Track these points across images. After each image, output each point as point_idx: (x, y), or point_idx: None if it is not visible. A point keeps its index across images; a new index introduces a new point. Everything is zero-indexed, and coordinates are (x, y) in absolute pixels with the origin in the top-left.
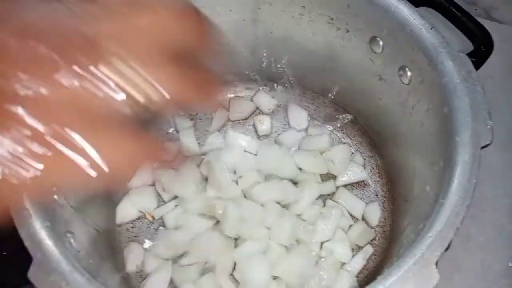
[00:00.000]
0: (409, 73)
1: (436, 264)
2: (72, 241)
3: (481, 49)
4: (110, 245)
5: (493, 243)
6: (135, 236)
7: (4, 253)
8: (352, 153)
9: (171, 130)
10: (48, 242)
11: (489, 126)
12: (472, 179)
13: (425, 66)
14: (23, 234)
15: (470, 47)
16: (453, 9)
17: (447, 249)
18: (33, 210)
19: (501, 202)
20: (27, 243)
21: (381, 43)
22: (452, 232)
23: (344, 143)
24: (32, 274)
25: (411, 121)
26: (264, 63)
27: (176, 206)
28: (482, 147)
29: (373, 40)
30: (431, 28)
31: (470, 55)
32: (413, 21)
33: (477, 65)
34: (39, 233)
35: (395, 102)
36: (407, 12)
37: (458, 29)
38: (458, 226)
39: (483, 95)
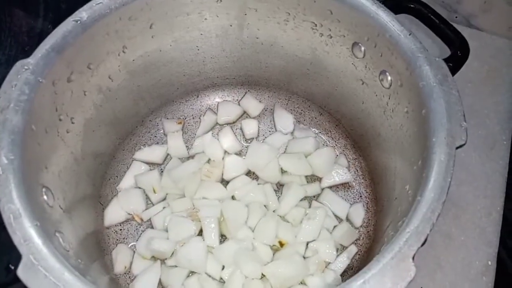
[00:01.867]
0: (389, 77)
1: (413, 258)
2: (61, 240)
3: (457, 55)
4: (98, 246)
5: (474, 242)
6: (123, 238)
7: None
8: (337, 155)
9: (159, 133)
10: (37, 240)
11: (463, 127)
12: (448, 177)
13: (403, 70)
14: (12, 233)
15: (447, 52)
16: (432, 16)
17: (423, 243)
18: (22, 209)
19: (481, 203)
20: (16, 242)
21: (362, 48)
22: (428, 227)
23: (329, 146)
24: (22, 272)
25: (391, 124)
26: (250, 68)
27: (164, 208)
28: (457, 147)
29: (355, 45)
30: (409, 34)
31: (447, 60)
32: (392, 28)
33: (454, 69)
34: (28, 232)
35: (377, 105)
36: (386, 19)
37: (436, 35)
38: (434, 222)
39: (458, 98)
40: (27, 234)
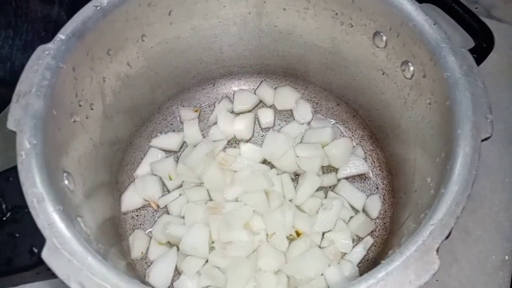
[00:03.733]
0: (411, 68)
1: (437, 251)
2: (82, 225)
3: (482, 46)
4: (116, 232)
5: (491, 237)
6: (140, 224)
7: (17, 235)
8: (354, 146)
9: (176, 121)
10: (60, 224)
11: (489, 120)
12: (473, 170)
13: (427, 61)
14: (36, 216)
15: (471, 43)
16: (456, 6)
17: (447, 237)
18: (45, 193)
19: (499, 197)
20: (40, 225)
21: (384, 38)
22: (453, 220)
23: (346, 136)
24: (46, 255)
25: (412, 115)
26: (268, 56)
27: (180, 195)
28: (482, 140)
29: (376, 35)
30: (434, 24)
31: (471, 51)
32: (416, 17)
33: (478, 61)
34: (51, 216)
35: (397, 96)
36: (410, 8)
37: (460, 26)
38: (458, 215)
39: (483, 89)
40: (50, 218)
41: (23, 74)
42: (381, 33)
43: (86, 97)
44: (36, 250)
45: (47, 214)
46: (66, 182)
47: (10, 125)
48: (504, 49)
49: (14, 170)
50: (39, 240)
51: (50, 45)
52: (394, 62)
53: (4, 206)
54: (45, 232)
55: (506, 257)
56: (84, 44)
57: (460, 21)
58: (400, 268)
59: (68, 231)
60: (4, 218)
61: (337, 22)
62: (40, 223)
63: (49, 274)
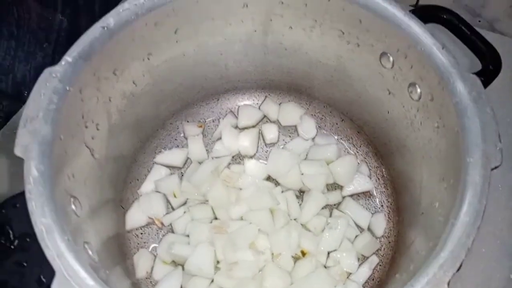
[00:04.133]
0: (419, 90)
1: (448, 284)
2: (90, 252)
3: (489, 68)
4: (120, 250)
5: (494, 255)
6: (144, 242)
7: (25, 264)
8: (358, 163)
9: (180, 136)
10: (69, 256)
11: (498, 148)
12: (483, 200)
13: (435, 85)
14: (45, 248)
15: (477, 64)
16: (462, 27)
17: (458, 269)
18: (54, 222)
19: (502, 215)
20: (49, 257)
21: (391, 59)
22: (464, 252)
23: (351, 154)
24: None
25: (418, 136)
26: (272, 72)
27: (184, 212)
28: (492, 169)
29: (383, 55)
30: (442, 48)
31: (478, 74)
32: (424, 40)
33: (485, 84)
34: (60, 247)
35: (403, 116)
36: (419, 31)
37: (467, 47)
38: (469, 247)
39: (493, 117)
40: (59, 249)
41: (30, 97)
42: (388, 54)
43: (92, 118)
44: (44, 280)
45: (56, 245)
46: (73, 207)
47: (18, 151)
48: (508, 63)
49: (21, 196)
50: (47, 269)
51: (57, 67)
52: (401, 83)
53: (12, 234)
54: (55, 264)
55: (511, 276)
56: (91, 65)
57: (467, 42)
58: None
59: (77, 263)
60: (12, 247)
61: (344, 41)
62: (50, 254)
63: None
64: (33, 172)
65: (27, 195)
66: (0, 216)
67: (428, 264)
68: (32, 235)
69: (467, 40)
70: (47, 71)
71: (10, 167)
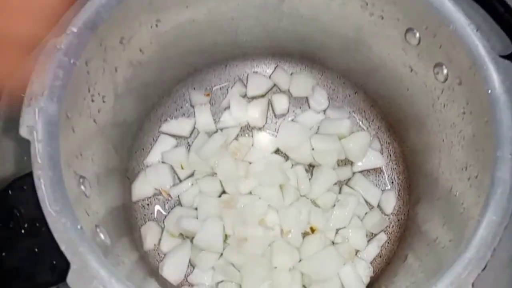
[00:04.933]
0: (445, 72)
1: (473, 285)
2: (102, 236)
3: None
4: (127, 222)
5: None
6: (151, 213)
7: (36, 250)
8: (371, 139)
9: (186, 105)
10: (82, 246)
11: None
12: None
13: (465, 69)
14: (59, 239)
15: (508, 46)
16: (497, 4)
17: (484, 269)
18: (65, 209)
19: None
20: (63, 248)
21: (418, 35)
22: (489, 253)
23: (364, 130)
24: (71, 280)
25: (440, 118)
26: (285, 40)
27: (192, 185)
28: None
29: (409, 31)
30: (477, 30)
31: (508, 57)
32: (458, 20)
33: None
34: (73, 237)
35: (425, 96)
36: (452, 9)
37: (498, 26)
38: (495, 247)
39: None
40: (72, 239)
41: (34, 73)
42: (415, 30)
43: (99, 90)
44: (57, 265)
45: (69, 235)
46: (82, 187)
47: (23, 132)
48: None
49: (27, 177)
50: (59, 255)
51: (61, 39)
52: (425, 62)
53: (20, 218)
54: (69, 255)
55: None
56: (97, 35)
57: (499, 20)
58: None
59: (91, 254)
60: (22, 231)
61: (366, 13)
62: (63, 245)
63: None
64: (41, 155)
65: (36, 181)
66: (7, 199)
67: (452, 263)
68: (41, 219)
69: (499, 17)
70: (51, 43)
71: (15, 147)
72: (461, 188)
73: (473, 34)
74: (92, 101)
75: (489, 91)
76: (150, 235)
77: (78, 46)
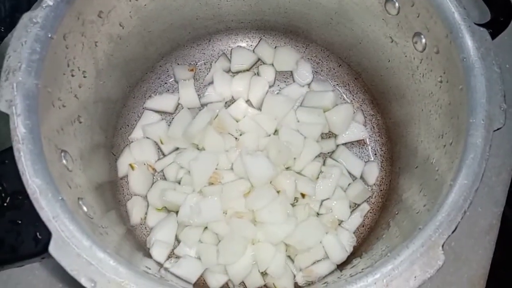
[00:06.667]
0: (424, 41)
1: (442, 246)
2: (84, 208)
3: (499, 19)
4: (114, 198)
5: (481, 202)
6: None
7: (19, 222)
8: (354, 112)
9: (170, 80)
10: (65, 216)
11: (502, 109)
12: (483, 163)
13: (442, 37)
14: (39, 209)
15: (487, 14)
16: None
17: (453, 231)
18: (46, 182)
19: (491, 162)
20: (44, 218)
21: (397, 5)
22: (460, 215)
23: (347, 101)
24: (53, 249)
25: (419, 89)
26: (268, 12)
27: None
28: (494, 130)
29: (389, 1)
30: None
31: (486, 25)
32: None
33: (493, 36)
34: (55, 208)
35: (405, 66)
36: None
37: None
38: (466, 210)
39: (499, 75)
40: (54, 210)
41: (10, 47)
42: (394, 0)
43: (79, 65)
44: (40, 237)
45: (51, 207)
46: (64, 161)
47: (2, 106)
48: None
49: (9, 151)
50: (42, 227)
51: (37, 12)
52: (405, 31)
53: (3, 192)
54: (50, 225)
55: (494, 222)
56: (74, 8)
57: None
58: (406, 263)
59: (73, 224)
60: (4, 204)
61: None
62: (44, 215)
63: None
64: (20, 129)
65: (16, 154)
66: None
67: (423, 225)
68: (23, 192)
69: None
70: (26, 17)
71: None
72: (437, 155)
73: (449, 2)
74: (72, 75)
75: (464, 58)
76: (136, 210)
77: (54, 20)
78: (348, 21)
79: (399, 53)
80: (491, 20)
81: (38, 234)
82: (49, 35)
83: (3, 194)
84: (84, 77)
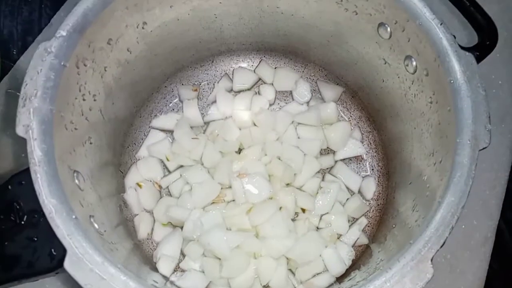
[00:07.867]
0: (414, 64)
1: (431, 260)
2: (96, 226)
3: (485, 43)
4: (122, 213)
5: (476, 215)
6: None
7: (35, 239)
8: (351, 129)
9: (175, 100)
10: (78, 234)
11: (487, 129)
12: (469, 181)
13: (431, 61)
14: (55, 227)
15: (474, 37)
16: None
17: (442, 245)
18: (61, 201)
19: (486, 176)
20: (60, 236)
21: (389, 29)
22: (448, 231)
23: (345, 120)
24: (68, 265)
25: (412, 108)
26: (268, 35)
27: (181, 176)
28: (480, 150)
29: (381, 25)
30: (441, 24)
31: (474, 48)
32: (423, 15)
33: (479, 59)
34: (69, 226)
35: (398, 87)
36: (418, 5)
37: (465, 18)
38: (453, 225)
39: (484, 97)
40: (68, 228)
41: (27, 75)
42: (386, 25)
43: (89, 89)
44: (55, 253)
45: (65, 224)
46: (76, 181)
47: (19, 131)
48: (504, 21)
49: (25, 173)
50: (57, 244)
51: (51, 42)
52: (397, 54)
53: (20, 210)
54: (65, 242)
55: (489, 234)
56: (85, 37)
57: (466, 14)
58: (397, 276)
59: (86, 241)
60: (22, 223)
61: (342, 8)
62: (60, 233)
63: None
64: (37, 153)
65: (33, 176)
66: (7, 193)
67: (414, 240)
68: (39, 211)
69: (466, 11)
70: (41, 46)
71: (13, 145)
72: (428, 172)
73: (437, 28)
74: (84, 99)
75: (451, 81)
76: (143, 225)
77: (67, 49)
78: (344, 43)
79: (392, 74)
80: (478, 43)
81: (53, 250)
82: (62, 63)
83: (20, 213)
84: (94, 100)
